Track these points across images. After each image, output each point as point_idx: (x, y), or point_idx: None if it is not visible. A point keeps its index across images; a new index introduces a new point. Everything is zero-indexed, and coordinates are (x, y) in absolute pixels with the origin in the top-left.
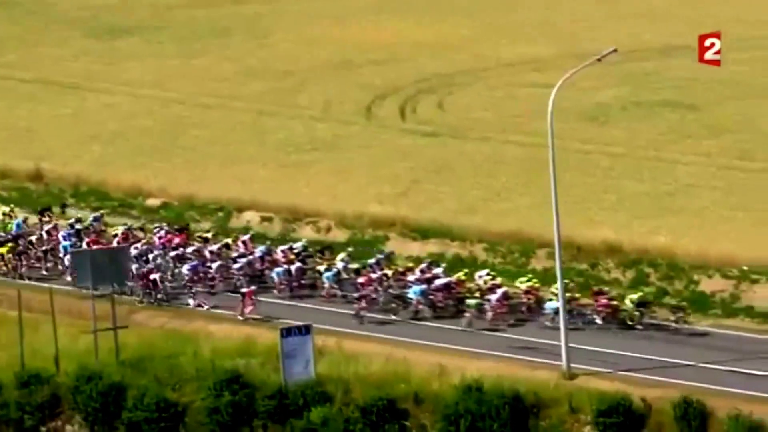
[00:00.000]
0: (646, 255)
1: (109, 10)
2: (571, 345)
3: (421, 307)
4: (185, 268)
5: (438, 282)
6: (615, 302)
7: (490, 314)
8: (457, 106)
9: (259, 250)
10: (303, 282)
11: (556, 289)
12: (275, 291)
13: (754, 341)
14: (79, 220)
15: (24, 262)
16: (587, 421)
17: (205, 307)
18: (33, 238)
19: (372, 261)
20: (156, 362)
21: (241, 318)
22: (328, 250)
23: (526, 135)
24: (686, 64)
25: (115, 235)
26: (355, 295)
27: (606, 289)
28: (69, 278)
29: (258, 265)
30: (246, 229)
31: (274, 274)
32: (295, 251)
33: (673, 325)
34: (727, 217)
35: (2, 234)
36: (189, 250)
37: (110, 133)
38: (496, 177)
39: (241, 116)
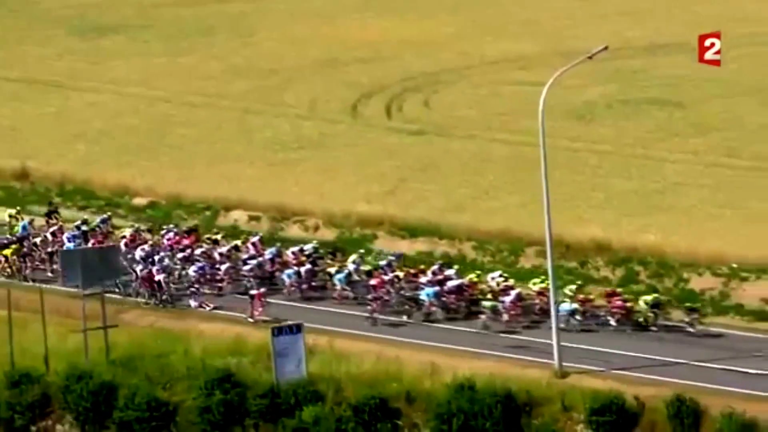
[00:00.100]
0: (636, 253)
1: (93, 9)
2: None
3: (433, 309)
4: (191, 270)
5: (450, 284)
6: (629, 304)
7: (505, 316)
8: (442, 104)
9: (269, 252)
10: (313, 284)
11: (569, 290)
12: (285, 293)
13: (744, 339)
14: (85, 222)
15: (28, 264)
16: (580, 420)
17: (207, 308)
18: (38, 240)
19: (383, 263)
20: (147, 361)
21: (251, 320)
22: (339, 251)
23: (512, 133)
24: (673, 62)
25: (123, 237)
26: (368, 297)
27: (619, 290)
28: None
29: (268, 267)
30: (233, 227)
31: (284, 276)
32: (306, 253)
33: (687, 327)
34: (715, 215)
35: (7, 236)
36: (198, 251)
37: (96, 131)
38: (483, 175)
39: (227, 115)
